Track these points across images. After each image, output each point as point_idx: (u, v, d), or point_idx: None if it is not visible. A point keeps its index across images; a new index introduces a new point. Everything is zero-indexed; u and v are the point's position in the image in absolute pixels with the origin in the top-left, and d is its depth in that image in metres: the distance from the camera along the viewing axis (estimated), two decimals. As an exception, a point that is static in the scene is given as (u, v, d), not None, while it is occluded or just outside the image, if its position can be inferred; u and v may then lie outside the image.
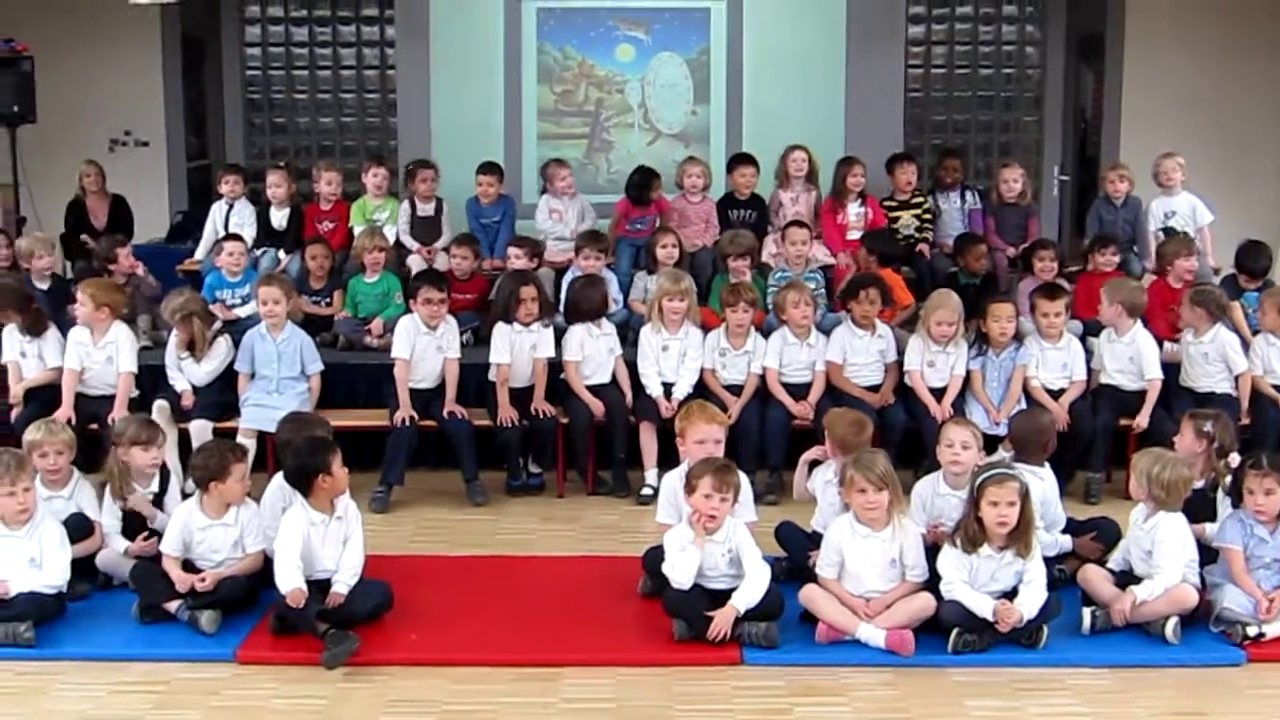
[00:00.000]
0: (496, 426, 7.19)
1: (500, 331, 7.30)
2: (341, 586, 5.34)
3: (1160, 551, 5.28)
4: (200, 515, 5.55)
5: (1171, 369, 7.38)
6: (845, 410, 6.18)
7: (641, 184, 8.93)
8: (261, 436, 7.02)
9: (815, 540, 5.66)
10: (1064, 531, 5.86)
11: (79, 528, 5.67)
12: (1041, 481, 5.74)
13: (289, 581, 5.20)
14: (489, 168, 9.03)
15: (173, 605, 5.36)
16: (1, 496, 5.37)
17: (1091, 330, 7.67)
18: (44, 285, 8.13)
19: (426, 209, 8.99)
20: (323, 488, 5.38)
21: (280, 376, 7.25)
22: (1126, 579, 5.40)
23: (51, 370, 7.31)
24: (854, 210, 8.82)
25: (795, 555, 5.82)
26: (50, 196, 9.91)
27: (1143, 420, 7.16)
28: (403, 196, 9.07)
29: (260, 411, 7.09)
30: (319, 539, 5.38)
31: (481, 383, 7.39)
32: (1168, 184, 8.74)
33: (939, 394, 7.23)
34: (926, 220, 9.03)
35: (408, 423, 7.09)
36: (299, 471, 5.44)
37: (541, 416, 7.20)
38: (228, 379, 7.38)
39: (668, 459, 6.68)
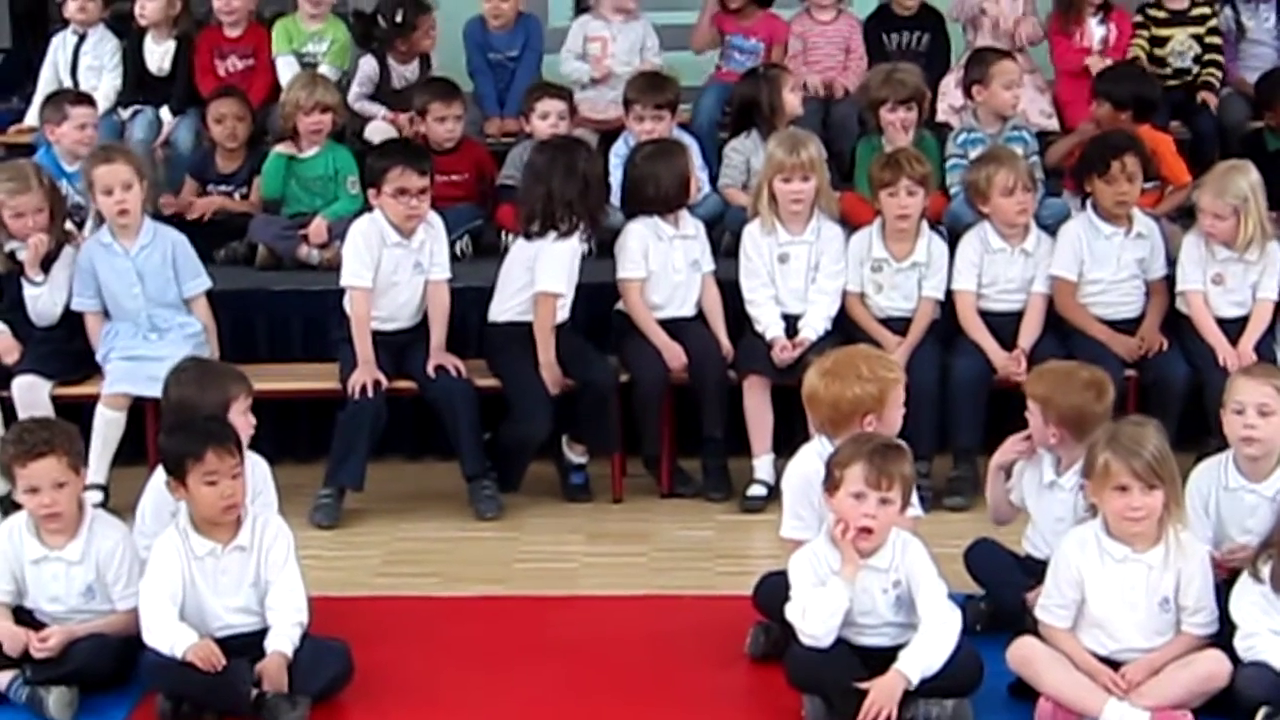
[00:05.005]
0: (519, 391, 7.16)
1: (561, 240, 7.26)
2: (284, 643, 5.38)
3: None
4: (31, 540, 5.61)
5: None
6: (1068, 366, 6.12)
7: None
8: (137, 408, 7.15)
9: (1032, 569, 5.71)
10: None
11: None
12: None
13: (178, 638, 5.29)
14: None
15: (2, 678, 5.49)
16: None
17: None
18: None
19: (405, 71, 9.01)
20: (187, 494, 5.37)
21: (149, 308, 7.38)
22: None
23: None
24: (1097, 32, 8.86)
25: (1001, 592, 5.87)
26: None
27: None
28: (357, 50, 8.92)
29: (134, 367, 7.19)
30: (208, 580, 5.47)
31: (485, 320, 7.53)
32: None
33: (1234, 329, 7.29)
34: (1213, 46, 9.02)
35: (371, 390, 7.20)
36: (165, 464, 5.48)
37: (586, 373, 7.32)
38: (77, 315, 7.50)
39: (790, 439, 6.75)
